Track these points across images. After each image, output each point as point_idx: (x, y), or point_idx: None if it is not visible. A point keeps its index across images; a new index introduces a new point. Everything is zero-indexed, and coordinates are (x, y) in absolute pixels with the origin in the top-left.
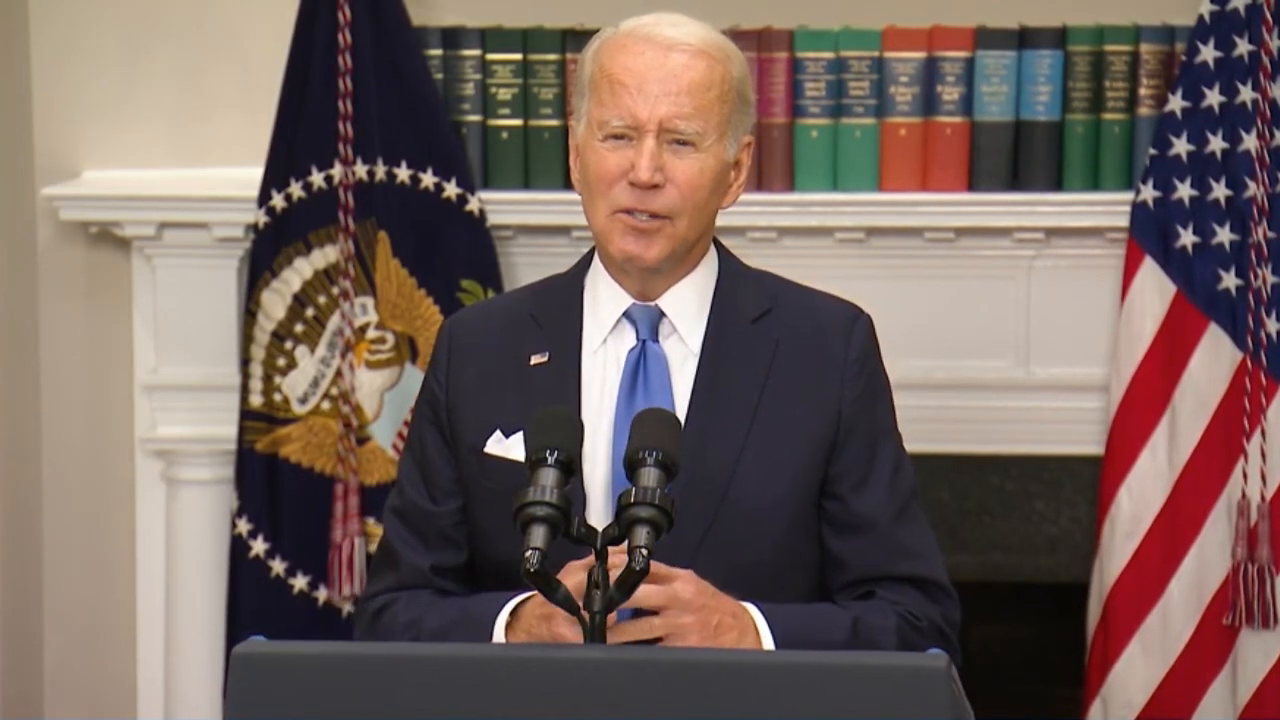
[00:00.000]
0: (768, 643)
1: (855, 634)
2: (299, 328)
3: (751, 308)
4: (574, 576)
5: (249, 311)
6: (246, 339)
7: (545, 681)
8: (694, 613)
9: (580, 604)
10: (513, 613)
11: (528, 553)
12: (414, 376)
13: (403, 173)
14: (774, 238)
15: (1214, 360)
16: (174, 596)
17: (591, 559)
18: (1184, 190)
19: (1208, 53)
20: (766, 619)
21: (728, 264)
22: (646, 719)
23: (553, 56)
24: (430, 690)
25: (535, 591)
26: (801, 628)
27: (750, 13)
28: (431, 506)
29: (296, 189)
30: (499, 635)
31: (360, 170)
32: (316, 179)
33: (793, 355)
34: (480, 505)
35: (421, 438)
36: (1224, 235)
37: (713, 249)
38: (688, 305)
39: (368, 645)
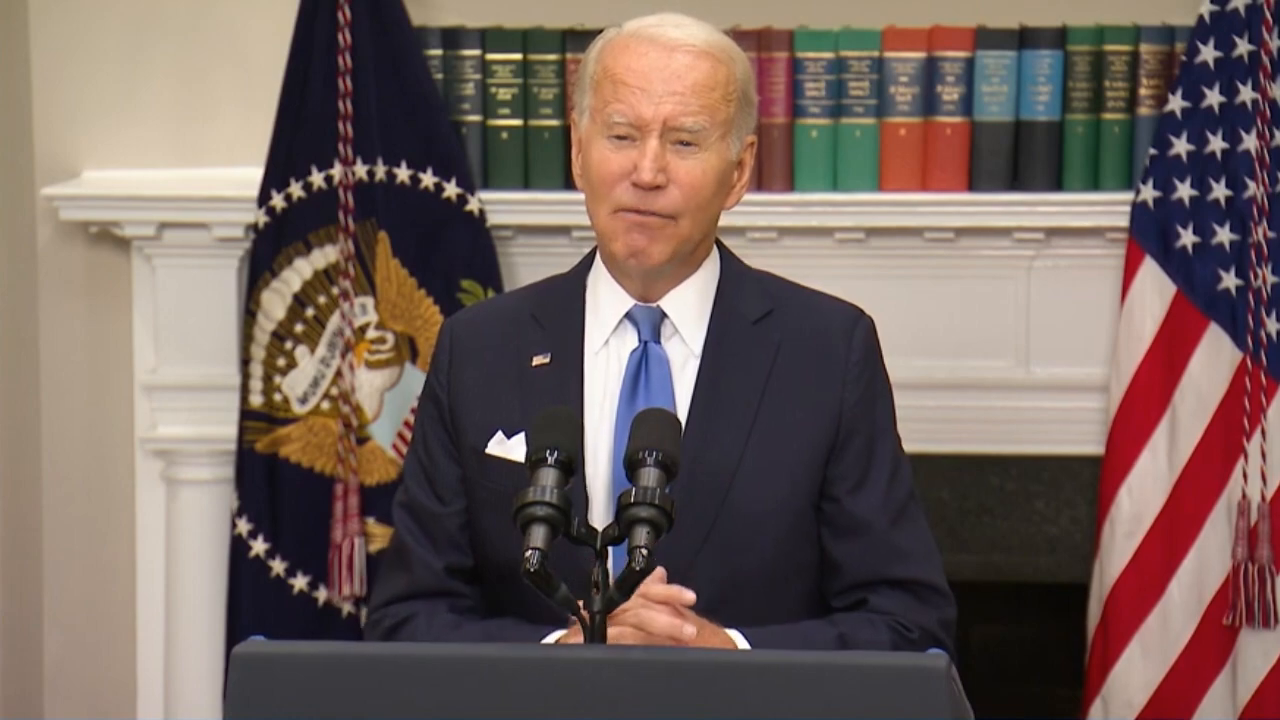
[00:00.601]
0: None
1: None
2: (299, 328)
3: (753, 309)
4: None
5: (249, 311)
6: (246, 339)
7: (545, 681)
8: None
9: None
10: None
11: (528, 553)
12: (414, 376)
13: (403, 173)
14: (774, 238)
15: (1214, 360)
16: (174, 596)
17: (624, 631)
18: (1184, 190)
19: (1208, 53)
20: (751, 645)
21: (729, 265)
22: (646, 719)
23: (553, 56)
24: (430, 690)
25: (567, 630)
26: (788, 648)
27: (750, 13)
28: (439, 508)
29: (296, 189)
30: None
31: (360, 170)
32: (316, 179)
33: (794, 357)
34: (482, 506)
35: (425, 438)
36: (1224, 235)
37: (715, 250)
38: (689, 306)
39: (368, 645)
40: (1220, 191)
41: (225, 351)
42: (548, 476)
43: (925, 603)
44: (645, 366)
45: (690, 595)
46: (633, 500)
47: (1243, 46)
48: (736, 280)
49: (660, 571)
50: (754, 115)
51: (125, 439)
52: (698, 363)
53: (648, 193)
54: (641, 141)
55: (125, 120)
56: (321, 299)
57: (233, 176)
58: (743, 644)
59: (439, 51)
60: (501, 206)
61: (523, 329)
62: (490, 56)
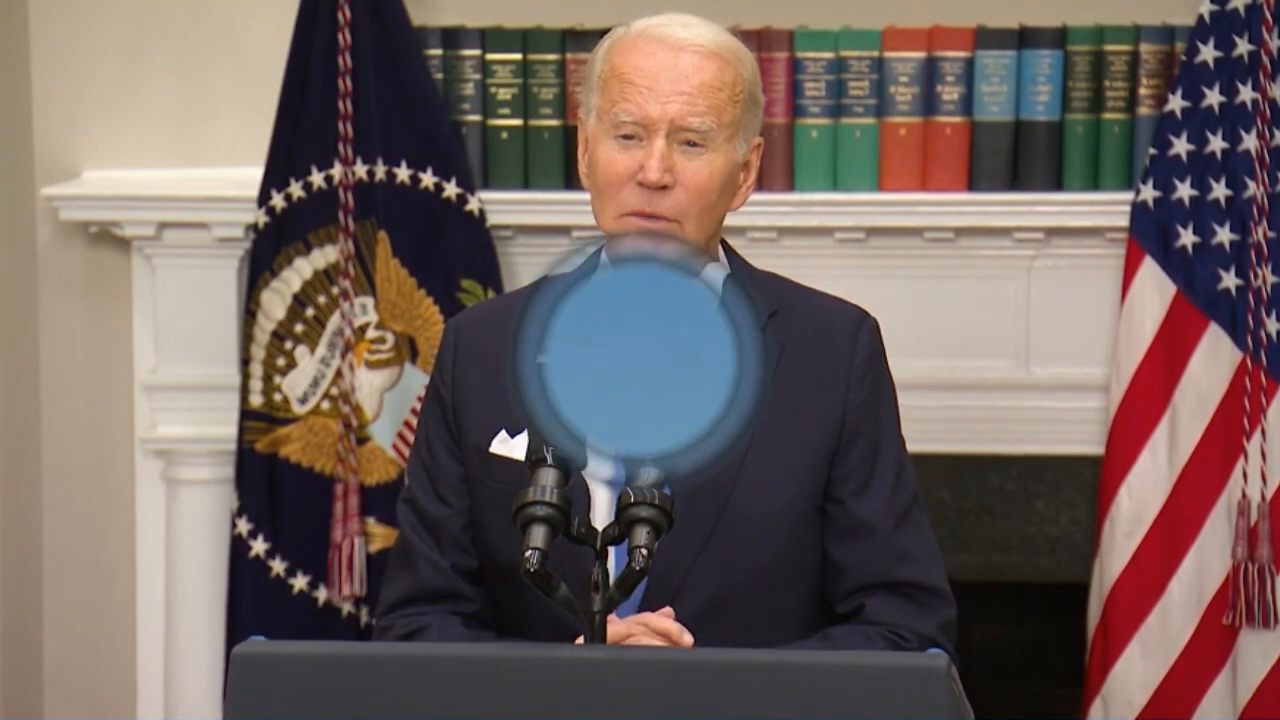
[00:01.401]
0: None
1: None
2: (299, 328)
3: (758, 310)
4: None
5: (249, 311)
6: (246, 339)
7: (545, 681)
8: None
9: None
10: None
11: (527, 553)
12: (414, 376)
13: (403, 172)
14: (774, 238)
15: (1214, 360)
16: (174, 596)
17: (625, 630)
18: (1184, 190)
19: (1208, 52)
20: None
21: (735, 265)
22: (646, 719)
23: (553, 56)
24: (430, 690)
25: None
26: None
27: (750, 13)
28: (441, 511)
29: (296, 189)
30: None
31: (360, 170)
32: (316, 179)
33: (799, 358)
34: (485, 505)
35: (429, 438)
36: (1224, 235)
37: (720, 250)
38: None
39: (368, 645)
40: (1220, 191)
41: (225, 351)
42: (548, 476)
43: (923, 607)
44: None
45: (689, 639)
46: (632, 500)
47: (1243, 46)
48: (741, 280)
49: (668, 611)
50: (761, 116)
51: (125, 439)
52: None
53: (654, 193)
54: (648, 141)
55: (125, 120)
56: (321, 299)
57: (233, 176)
58: None
59: (439, 51)
60: (501, 206)
61: None
62: (490, 56)
